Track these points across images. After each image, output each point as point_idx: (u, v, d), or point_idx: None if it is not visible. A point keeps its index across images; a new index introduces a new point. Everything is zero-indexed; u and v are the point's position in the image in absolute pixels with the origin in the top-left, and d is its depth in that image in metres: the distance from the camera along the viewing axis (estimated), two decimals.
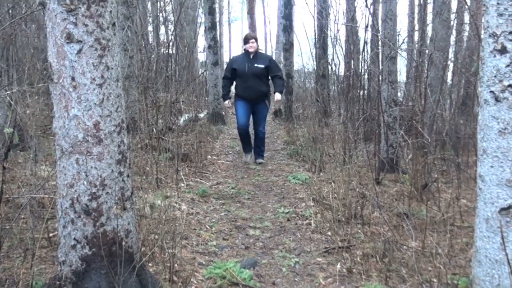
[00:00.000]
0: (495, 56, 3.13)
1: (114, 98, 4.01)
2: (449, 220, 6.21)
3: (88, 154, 3.90)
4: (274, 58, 12.92)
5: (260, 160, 10.61)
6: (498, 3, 3.11)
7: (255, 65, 9.98)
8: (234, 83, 10.40)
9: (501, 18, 3.10)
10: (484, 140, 3.23)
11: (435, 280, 4.65)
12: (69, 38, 3.81)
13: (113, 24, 4.04)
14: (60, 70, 3.86)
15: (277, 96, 10.08)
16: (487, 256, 3.26)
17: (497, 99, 3.12)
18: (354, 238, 5.96)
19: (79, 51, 3.83)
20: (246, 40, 10.17)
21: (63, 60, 3.84)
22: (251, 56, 10.09)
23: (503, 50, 3.08)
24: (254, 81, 10.00)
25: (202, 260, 5.38)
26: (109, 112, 3.97)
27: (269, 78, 10.23)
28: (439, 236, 5.78)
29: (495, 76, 3.12)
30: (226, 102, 10.58)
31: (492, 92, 3.14)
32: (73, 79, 3.84)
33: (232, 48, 45.34)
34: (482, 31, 3.35)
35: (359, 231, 6.16)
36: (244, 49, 10.25)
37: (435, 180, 7.50)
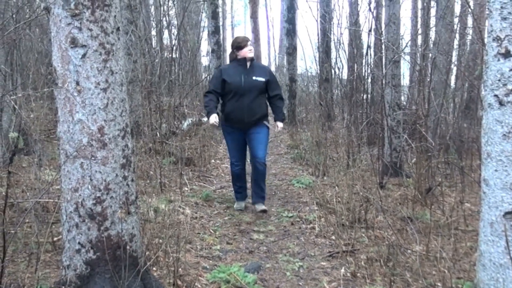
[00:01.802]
0: (499, 60, 3.13)
1: (119, 103, 4.02)
2: (453, 224, 6.21)
3: (93, 158, 3.91)
4: (274, 66, 9.72)
5: (261, 207, 7.34)
6: (501, 7, 3.11)
7: (254, 77, 7.11)
8: (222, 104, 7.42)
9: (505, 22, 3.10)
10: (488, 144, 3.23)
11: (439, 284, 4.65)
12: (74, 43, 3.82)
13: (118, 29, 4.05)
14: (64, 75, 3.87)
15: (280, 125, 7.52)
16: (492, 260, 3.26)
17: (501, 103, 3.12)
18: (358, 242, 5.96)
19: (84, 56, 3.84)
20: (241, 44, 7.24)
21: (68, 65, 3.85)
22: (248, 65, 7.21)
23: (507, 54, 3.08)
24: (252, 99, 7.08)
25: (206, 264, 5.38)
26: (114, 117, 3.98)
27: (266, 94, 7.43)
28: (443, 240, 5.77)
29: (499, 80, 3.13)
30: (212, 117, 6.95)
31: (496, 96, 3.14)
32: (77, 83, 3.85)
33: None
34: (486, 35, 3.35)
35: (363, 235, 6.15)
36: (236, 57, 7.31)
37: (439, 184, 7.49)
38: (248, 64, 7.24)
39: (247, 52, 7.22)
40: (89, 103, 3.87)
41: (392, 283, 4.80)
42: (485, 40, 3.44)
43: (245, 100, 7.08)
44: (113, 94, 3.96)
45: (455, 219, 6.41)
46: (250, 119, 7.13)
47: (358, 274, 5.08)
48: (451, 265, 5.03)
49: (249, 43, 7.28)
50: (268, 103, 7.44)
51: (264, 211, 7.31)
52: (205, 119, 15.59)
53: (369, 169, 9.12)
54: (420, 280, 4.75)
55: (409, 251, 5.52)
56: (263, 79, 7.18)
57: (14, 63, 9.13)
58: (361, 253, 5.64)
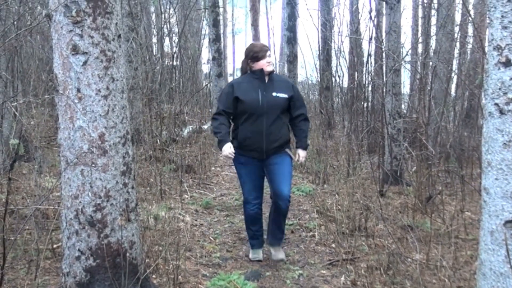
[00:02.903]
0: (499, 68, 3.13)
1: (119, 110, 4.03)
2: (453, 232, 6.20)
3: (93, 165, 3.91)
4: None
5: (279, 255, 5.90)
6: (502, 16, 3.11)
7: (274, 94, 5.55)
8: (234, 128, 5.82)
9: (506, 31, 3.10)
10: (488, 153, 3.22)
11: None
12: (75, 50, 3.83)
13: (119, 36, 4.06)
14: (65, 82, 3.87)
15: (302, 155, 5.84)
16: (492, 269, 3.25)
17: (501, 112, 3.11)
18: (358, 251, 5.95)
19: (85, 63, 3.85)
20: (257, 55, 5.62)
21: (69, 72, 3.86)
22: (266, 79, 5.65)
23: (507, 63, 3.08)
24: (272, 121, 5.53)
25: (206, 272, 5.38)
26: (114, 124, 3.98)
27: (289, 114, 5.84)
28: (443, 249, 5.76)
29: (499, 89, 3.12)
30: (226, 147, 5.45)
31: (496, 104, 3.14)
32: (78, 90, 3.85)
33: (236, 59, 45.44)
34: (487, 44, 3.35)
35: (363, 243, 6.14)
36: (251, 69, 5.71)
37: (439, 192, 7.48)
38: (267, 77, 5.61)
39: (265, 65, 5.56)
40: (90, 110, 3.88)
41: None
42: (486, 49, 3.44)
43: (263, 122, 5.45)
44: (114, 101, 3.97)
45: (456, 228, 6.40)
46: (269, 146, 5.52)
47: (358, 283, 5.08)
48: (451, 273, 5.02)
49: (267, 53, 5.59)
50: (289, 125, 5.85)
51: (281, 260, 5.85)
52: (205, 126, 15.59)
53: (369, 177, 9.12)
54: None
55: (409, 259, 5.51)
56: (285, 96, 5.55)
57: (15, 69, 9.14)
58: (361, 261, 5.64)
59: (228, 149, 5.40)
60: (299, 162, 5.89)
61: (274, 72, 5.76)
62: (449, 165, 9.42)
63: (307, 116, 5.88)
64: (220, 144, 5.47)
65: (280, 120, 5.55)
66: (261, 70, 5.57)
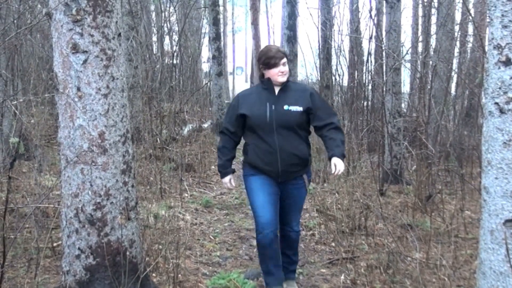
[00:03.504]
0: (499, 68, 3.13)
1: (119, 108, 4.03)
2: (453, 231, 6.20)
3: (93, 164, 3.91)
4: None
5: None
6: (502, 15, 3.11)
7: (286, 107, 4.58)
8: (244, 141, 4.97)
9: (506, 30, 3.10)
10: (488, 152, 3.22)
11: None
12: (75, 49, 3.83)
13: (119, 35, 4.06)
14: (65, 80, 3.87)
15: (339, 165, 4.47)
16: (492, 268, 3.25)
17: (501, 111, 3.11)
18: (358, 249, 5.95)
19: (85, 61, 3.85)
20: (270, 61, 4.62)
21: (69, 70, 3.86)
22: (277, 90, 4.67)
23: (507, 62, 3.08)
24: (285, 139, 4.59)
25: (205, 271, 5.38)
26: (114, 122, 3.98)
27: (310, 128, 4.88)
28: (443, 248, 5.76)
29: (499, 88, 3.12)
30: (226, 180, 4.91)
31: (496, 103, 3.14)
32: (78, 89, 3.85)
33: (236, 58, 45.45)
34: (487, 43, 3.35)
35: (363, 242, 6.15)
36: (262, 77, 4.77)
37: (439, 191, 7.48)
38: (277, 87, 4.64)
39: (277, 74, 4.58)
40: (90, 108, 3.88)
41: None
42: (486, 48, 3.44)
43: (275, 140, 4.54)
44: (114, 100, 3.97)
45: (455, 227, 6.41)
46: (285, 168, 4.60)
47: (358, 281, 5.08)
48: (451, 272, 5.02)
49: (282, 61, 4.57)
50: (316, 138, 5.21)
51: None
52: (205, 125, 15.59)
53: (369, 176, 9.12)
54: None
55: (409, 258, 5.52)
56: (299, 109, 4.55)
57: (15, 68, 9.15)
58: (361, 260, 5.64)
59: (228, 181, 4.88)
60: (335, 175, 4.54)
61: (290, 81, 4.72)
62: (449, 164, 9.42)
63: (339, 125, 4.70)
64: (221, 174, 4.92)
65: (296, 136, 4.59)
66: (269, 79, 4.60)
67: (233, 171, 4.90)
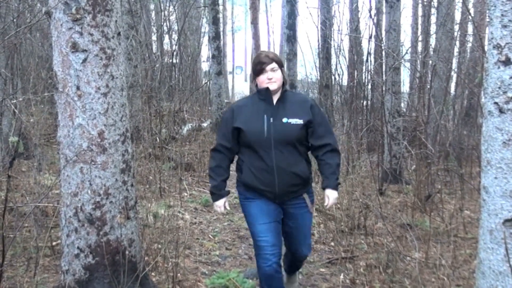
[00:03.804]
0: (499, 67, 3.13)
1: (119, 107, 4.03)
2: (452, 231, 6.21)
3: (93, 163, 3.91)
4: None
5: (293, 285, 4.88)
6: (502, 15, 3.11)
7: (285, 119, 4.11)
8: (238, 159, 4.42)
9: (506, 30, 3.10)
10: (488, 151, 3.22)
11: None
12: (75, 47, 3.83)
13: (119, 34, 4.06)
14: (65, 79, 3.87)
15: (332, 197, 4.20)
16: (491, 268, 3.25)
17: (501, 111, 3.11)
18: (357, 249, 5.96)
19: (84, 60, 3.85)
20: (256, 67, 4.18)
21: (68, 69, 3.85)
22: (275, 100, 4.18)
23: (507, 62, 3.08)
24: (285, 156, 4.12)
25: (205, 270, 5.38)
26: (114, 121, 3.98)
27: (309, 144, 4.30)
28: (442, 247, 5.77)
29: (499, 88, 3.12)
30: (220, 204, 4.30)
31: (496, 103, 3.14)
32: (78, 88, 3.85)
33: (236, 57, 45.45)
34: (486, 42, 3.35)
35: (362, 241, 6.15)
36: (256, 87, 4.28)
37: (439, 191, 7.49)
38: (276, 97, 4.15)
39: (264, 82, 4.09)
40: (89, 107, 3.88)
41: None
42: (486, 48, 3.44)
43: (272, 158, 4.04)
44: (113, 99, 3.97)
45: (455, 226, 6.41)
46: (284, 189, 4.11)
47: (357, 281, 5.08)
48: (450, 272, 5.03)
49: (270, 66, 4.07)
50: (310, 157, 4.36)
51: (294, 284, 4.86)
52: (205, 124, 15.57)
53: (368, 176, 9.12)
54: (419, 287, 4.74)
55: (408, 258, 5.52)
56: (299, 121, 4.08)
57: (14, 67, 9.14)
58: (360, 260, 5.64)
59: (222, 205, 4.27)
60: (328, 206, 4.25)
61: (288, 90, 4.26)
62: (449, 163, 9.43)
63: (337, 146, 4.23)
64: (213, 196, 4.28)
65: (295, 153, 4.11)
66: (267, 89, 4.07)
67: (228, 193, 4.31)
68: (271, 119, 4.05)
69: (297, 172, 4.10)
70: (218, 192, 4.25)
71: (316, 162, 4.33)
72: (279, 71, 4.12)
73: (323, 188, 4.19)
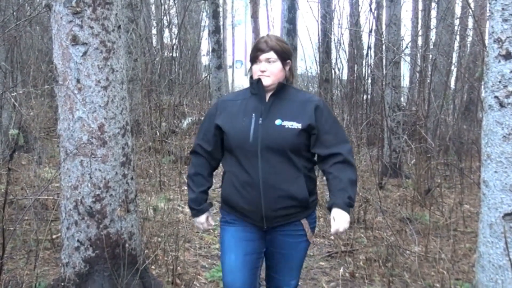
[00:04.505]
0: (499, 61, 3.13)
1: (119, 101, 4.02)
2: (452, 225, 6.21)
3: (93, 156, 3.91)
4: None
5: None
6: (503, 9, 3.11)
7: (278, 121, 3.17)
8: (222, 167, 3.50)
9: (506, 24, 3.10)
10: (488, 146, 3.23)
11: (438, 285, 4.66)
12: (75, 41, 3.82)
13: (119, 27, 4.05)
14: (65, 72, 3.87)
15: (340, 220, 3.09)
16: (491, 262, 3.26)
17: (501, 105, 3.12)
18: (357, 243, 5.96)
19: (85, 53, 3.84)
20: (252, 53, 3.29)
21: (69, 62, 3.85)
22: (268, 96, 3.27)
23: (507, 56, 3.08)
24: (273, 168, 3.15)
25: (205, 263, 5.39)
26: (114, 115, 3.98)
27: (313, 156, 3.37)
28: (442, 241, 5.78)
29: (499, 82, 3.12)
30: (201, 219, 3.43)
31: (496, 97, 3.14)
32: (78, 81, 3.85)
33: (236, 51, 45.36)
34: (487, 37, 3.35)
35: (362, 235, 6.15)
36: (251, 79, 3.32)
37: (438, 185, 7.50)
38: (269, 94, 3.26)
39: (256, 74, 3.24)
40: (89, 101, 3.87)
41: (390, 284, 4.80)
42: (486, 42, 3.44)
43: (257, 168, 3.14)
44: (113, 92, 3.96)
45: (454, 221, 6.42)
46: (272, 212, 3.18)
47: (357, 274, 5.09)
48: (450, 266, 5.03)
49: (265, 56, 3.19)
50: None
51: None
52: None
53: (368, 170, 9.12)
54: (419, 281, 4.76)
55: (408, 252, 5.53)
56: (297, 126, 3.14)
57: (14, 60, 9.14)
58: (360, 254, 5.65)
59: (203, 221, 3.43)
60: (337, 232, 3.12)
61: (289, 85, 3.33)
62: (448, 158, 9.43)
63: (350, 158, 3.24)
64: (192, 212, 3.44)
65: (290, 166, 3.16)
66: (259, 80, 3.20)
67: (210, 205, 3.48)
68: (260, 119, 3.15)
69: (290, 191, 3.13)
70: (197, 207, 3.38)
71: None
72: (277, 64, 3.20)
73: (329, 208, 3.14)
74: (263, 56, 3.19)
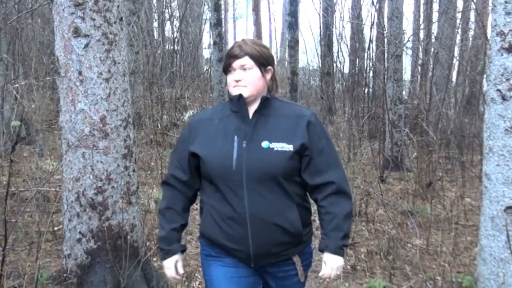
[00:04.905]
0: (502, 54, 3.12)
1: (121, 93, 4.02)
2: (453, 218, 6.21)
3: (95, 148, 3.92)
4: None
5: None
6: (506, 2, 3.10)
7: (265, 143, 2.61)
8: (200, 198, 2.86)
9: (509, 17, 3.09)
10: (490, 139, 3.23)
11: (439, 278, 4.65)
12: (77, 32, 3.82)
13: (121, 19, 4.05)
14: (67, 64, 3.87)
15: (331, 263, 2.68)
16: (492, 255, 3.26)
17: (504, 98, 3.11)
18: (359, 236, 5.97)
19: (86, 45, 3.84)
20: (225, 61, 2.72)
21: (70, 54, 3.85)
22: (251, 113, 2.71)
23: (510, 49, 3.07)
24: (263, 199, 2.60)
25: None
26: (116, 107, 3.98)
27: (304, 183, 2.73)
28: (443, 235, 5.78)
29: (502, 75, 3.12)
30: (170, 262, 2.77)
31: (499, 90, 3.14)
32: (80, 73, 3.85)
33: None
34: (489, 30, 3.34)
35: (364, 228, 6.16)
36: (230, 95, 2.74)
37: (440, 178, 7.50)
38: (253, 109, 2.73)
39: (230, 85, 2.71)
40: (91, 93, 3.88)
41: (391, 276, 4.82)
42: (488, 35, 3.44)
43: (243, 200, 2.63)
44: (115, 84, 3.96)
45: (456, 214, 6.42)
46: (262, 250, 2.69)
47: (358, 267, 5.10)
48: (451, 259, 5.04)
49: (239, 63, 2.66)
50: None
51: None
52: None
53: (370, 163, 9.12)
54: (420, 274, 4.76)
55: (409, 245, 5.53)
56: (289, 148, 2.62)
57: (16, 52, 9.13)
58: (361, 246, 5.65)
59: (172, 269, 2.78)
60: (324, 277, 2.76)
61: (273, 97, 2.78)
62: (450, 151, 9.43)
63: (344, 186, 2.73)
64: (161, 252, 2.83)
65: (281, 194, 2.64)
66: (240, 97, 2.65)
67: (183, 249, 2.84)
68: (244, 142, 2.63)
69: (282, 224, 2.64)
70: (166, 247, 2.79)
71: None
72: (254, 72, 2.67)
73: (320, 250, 2.72)
74: (236, 63, 2.65)
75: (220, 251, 2.74)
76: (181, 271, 2.79)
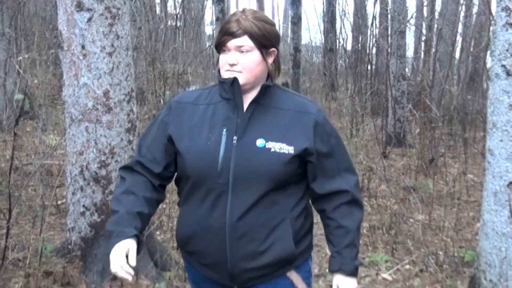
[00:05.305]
0: (507, 30, 3.11)
1: (124, 67, 4.02)
2: (455, 194, 6.23)
3: (98, 122, 3.92)
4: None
5: None
6: None
7: (260, 141, 2.07)
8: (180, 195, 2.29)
9: None
10: (494, 114, 3.23)
11: (441, 252, 4.68)
12: (80, 6, 3.81)
13: None
14: (70, 38, 3.86)
15: (345, 286, 2.18)
16: (494, 229, 3.28)
17: (508, 73, 3.11)
18: None
19: (89, 19, 3.83)
20: (218, 37, 2.10)
21: (73, 28, 3.84)
22: (246, 103, 2.12)
23: None
24: (248, 208, 2.07)
25: None
26: (119, 81, 3.98)
27: (306, 191, 2.24)
28: (445, 210, 5.80)
29: (507, 50, 3.11)
30: (119, 249, 1.98)
31: (503, 66, 3.13)
32: (83, 47, 3.84)
33: None
34: (494, 5, 3.33)
35: (366, 203, 6.17)
36: (218, 74, 2.14)
37: (442, 154, 7.51)
38: (249, 98, 2.13)
39: (224, 65, 2.10)
40: (94, 67, 3.87)
41: (394, 251, 4.84)
42: (493, 11, 3.42)
43: (225, 208, 2.09)
44: (118, 58, 3.96)
45: (458, 190, 6.43)
46: (241, 268, 2.14)
47: (361, 242, 5.11)
48: (453, 234, 5.06)
49: (232, 42, 2.04)
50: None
51: None
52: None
53: (372, 139, 9.12)
54: (422, 248, 4.78)
55: (411, 220, 5.55)
56: (289, 150, 2.07)
57: (18, 27, 9.11)
58: (364, 221, 5.67)
59: (119, 262, 1.97)
60: None
61: (275, 86, 2.21)
62: (453, 128, 9.43)
63: (357, 195, 2.23)
64: (109, 239, 2.08)
65: (272, 205, 2.13)
66: (235, 81, 2.07)
67: (140, 239, 2.09)
68: (235, 137, 2.09)
69: (268, 243, 2.13)
70: (116, 228, 2.07)
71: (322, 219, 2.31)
72: (253, 55, 2.08)
73: (331, 271, 2.25)
74: (232, 43, 2.06)
75: (200, 276, 2.29)
76: (133, 263, 1.98)
